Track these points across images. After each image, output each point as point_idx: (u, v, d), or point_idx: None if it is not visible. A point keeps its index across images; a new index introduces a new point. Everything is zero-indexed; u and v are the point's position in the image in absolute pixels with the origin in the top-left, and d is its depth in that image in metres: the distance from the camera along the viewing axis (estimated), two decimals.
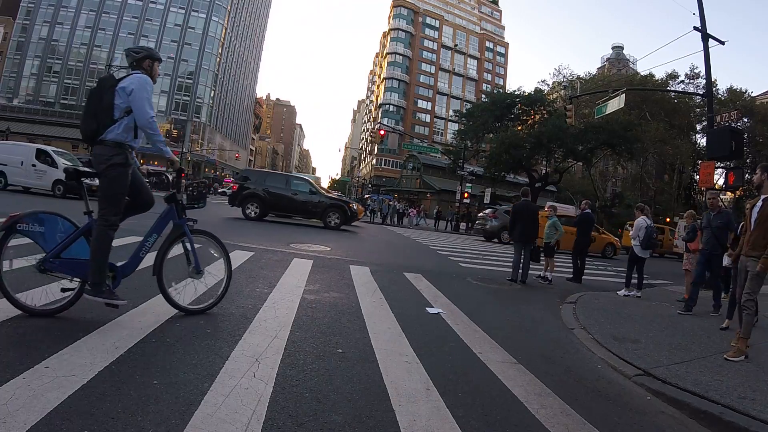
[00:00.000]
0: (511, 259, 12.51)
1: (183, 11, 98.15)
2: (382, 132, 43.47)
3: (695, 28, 17.67)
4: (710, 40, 17.45)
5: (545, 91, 56.13)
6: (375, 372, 4.23)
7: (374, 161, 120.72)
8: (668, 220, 51.73)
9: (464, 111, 62.32)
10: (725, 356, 6.12)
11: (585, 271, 13.64)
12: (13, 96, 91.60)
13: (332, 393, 3.66)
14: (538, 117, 50.18)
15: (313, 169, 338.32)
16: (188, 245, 5.97)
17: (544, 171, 53.28)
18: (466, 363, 4.93)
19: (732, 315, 8.17)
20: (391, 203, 46.22)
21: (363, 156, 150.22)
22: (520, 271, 12.00)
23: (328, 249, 13.54)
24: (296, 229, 19.61)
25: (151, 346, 4.17)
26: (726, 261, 9.70)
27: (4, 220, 4.60)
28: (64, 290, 4.88)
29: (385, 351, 4.84)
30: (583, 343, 6.60)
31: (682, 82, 55.53)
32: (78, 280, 4.93)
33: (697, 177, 60.19)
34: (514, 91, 51.97)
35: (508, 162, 47.75)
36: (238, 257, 9.71)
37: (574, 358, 5.88)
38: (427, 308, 7.34)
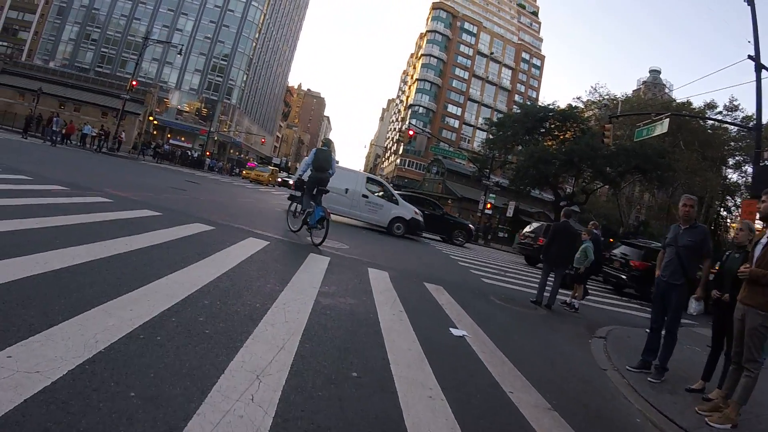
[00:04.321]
0: (536, 280, 11.92)
1: None
2: (411, 132, 42.65)
3: (750, 57, 16.89)
4: (764, 70, 16.69)
5: (579, 109, 54.18)
6: (394, 407, 3.61)
7: (398, 161, 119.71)
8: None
9: (495, 120, 61.02)
10: (707, 420, 5.22)
11: (609, 300, 12.87)
12: (49, 58, 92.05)
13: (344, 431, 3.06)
14: (569, 134, 48.47)
15: (337, 163, 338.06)
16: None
17: (570, 190, 51.77)
18: (496, 403, 4.31)
19: (710, 377, 6.51)
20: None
21: (387, 155, 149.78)
22: (547, 294, 11.34)
23: (347, 247, 12.88)
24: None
25: (138, 345, 3.58)
26: (694, 307, 6.62)
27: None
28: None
29: (406, 380, 4.21)
30: (618, 389, 6.00)
31: (720, 113, 53.74)
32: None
33: (724, 213, 61.31)
34: (549, 104, 50.14)
35: (535, 176, 46.15)
36: (252, 246, 9.20)
37: (611, 407, 5.29)
38: (451, 329, 6.70)
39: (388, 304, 7.15)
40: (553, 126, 49.61)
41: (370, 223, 22.22)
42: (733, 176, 57.98)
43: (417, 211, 22.43)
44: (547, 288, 11.66)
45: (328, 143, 13.82)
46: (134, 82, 46.23)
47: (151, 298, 4.67)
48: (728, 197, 59.09)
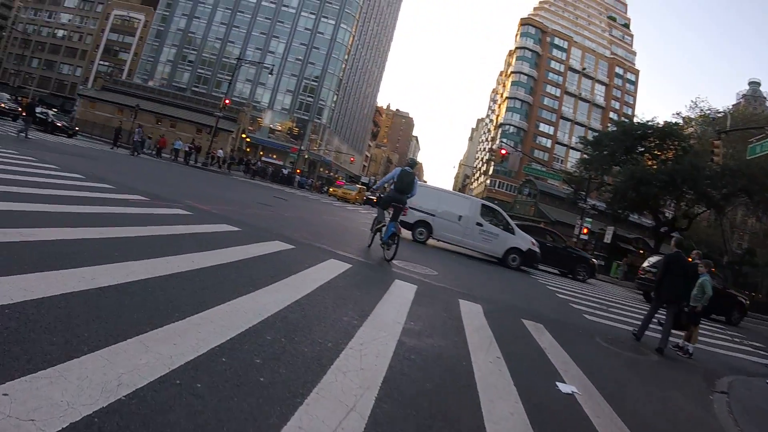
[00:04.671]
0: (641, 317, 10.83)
1: (313, 16, 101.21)
2: (503, 151, 41.18)
3: None
4: None
5: (679, 125, 50.14)
6: None
7: (488, 182, 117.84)
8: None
9: (591, 138, 58.35)
10: None
11: (716, 340, 11.36)
12: (148, 78, 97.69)
13: None
14: (670, 153, 45.37)
15: (424, 182, 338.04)
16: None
17: (670, 214, 48.58)
18: None
19: None
20: None
21: (477, 175, 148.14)
22: (653, 334, 10.40)
23: (435, 274, 11.92)
24: (404, 245, 18.39)
25: (170, 393, 2.80)
26: None
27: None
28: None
29: None
30: None
31: None
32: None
33: None
34: (648, 121, 46.77)
35: (634, 199, 43.12)
36: (332, 269, 8.43)
37: None
38: (558, 383, 5.53)
39: (483, 347, 6.13)
40: (652, 144, 46.78)
41: (483, 253, 21.40)
42: None
43: (534, 241, 21.40)
44: (654, 326, 10.65)
45: (413, 164, 12.94)
46: (227, 101, 47.49)
47: (203, 330, 3.91)
48: None
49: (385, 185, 12.93)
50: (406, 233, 21.84)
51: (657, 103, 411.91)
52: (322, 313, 5.48)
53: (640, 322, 10.80)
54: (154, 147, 43.07)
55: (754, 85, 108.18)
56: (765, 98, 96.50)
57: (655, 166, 44.33)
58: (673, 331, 10.19)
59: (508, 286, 14.88)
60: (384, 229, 11.75)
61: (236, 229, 10.04)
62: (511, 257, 20.79)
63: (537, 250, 21.21)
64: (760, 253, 56.49)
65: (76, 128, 42.10)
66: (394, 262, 11.34)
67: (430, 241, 21.37)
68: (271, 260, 7.78)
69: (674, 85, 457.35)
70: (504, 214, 22.42)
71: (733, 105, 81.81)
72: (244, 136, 70.63)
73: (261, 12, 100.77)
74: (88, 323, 3.46)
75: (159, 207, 10.45)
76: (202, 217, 10.46)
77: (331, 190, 59.24)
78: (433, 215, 20.92)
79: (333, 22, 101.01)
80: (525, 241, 20.97)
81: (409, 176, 11.98)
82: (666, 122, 47.52)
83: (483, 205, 21.87)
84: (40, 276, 4.16)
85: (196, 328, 3.91)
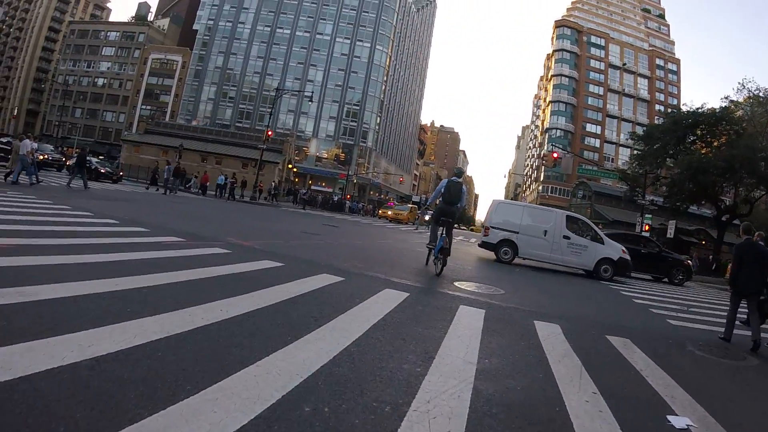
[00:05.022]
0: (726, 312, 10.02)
1: (348, 41, 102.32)
2: (555, 155, 39.70)
3: None
4: None
5: (730, 109, 47.98)
6: None
7: (540, 188, 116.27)
8: None
9: (641, 133, 56.90)
10: None
11: None
12: (191, 118, 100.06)
13: None
14: (723, 138, 44.06)
15: (476, 196, 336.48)
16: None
17: (731, 201, 46.33)
18: None
19: None
20: None
21: (528, 183, 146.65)
22: (742, 332, 9.70)
23: (503, 293, 10.86)
24: (464, 262, 17.45)
25: None
26: None
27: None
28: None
29: None
30: None
31: None
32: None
33: None
34: (697, 108, 45.34)
35: (692, 190, 42.49)
36: (387, 301, 7.55)
37: None
38: (668, 417, 4.47)
39: (573, 381, 5.07)
40: (704, 132, 45.42)
41: (572, 267, 20.59)
42: None
43: (624, 249, 20.34)
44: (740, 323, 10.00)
45: (459, 173, 12.92)
46: (270, 132, 47.84)
47: (220, 407, 2.97)
48: None
49: (437, 200, 12.53)
50: (488, 253, 21.19)
51: (702, 90, 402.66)
52: (377, 363, 4.50)
53: (724, 319, 9.96)
54: (199, 184, 43.07)
55: None
56: None
57: (710, 154, 42.95)
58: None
59: (581, 298, 13.79)
60: (436, 244, 11.85)
61: (279, 264, 9.24)
62: (603, 268, 19.73)
63: (628, 258, 20.16)
64: None
65: (121, 173, 42.25)
66: (456, 284, 10.73)
67: (489, 255, 20.38)
68: (316, 298, 6.91)
69: (717, 70, 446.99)
70: (591, 223, 21.69)
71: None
72: (290, 166, 70.78)
73: (296, 42, 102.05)
74: (68, 410, 2.64)
75: (194, 247, 9.76)
76: (241, 255, 9.70)
77: (380, 212, 59.09)
78: (517, 233, 20.08)
79: (368, 45, 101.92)
80: (615, 250, 19.98)
81: (456, 186, 11.91)
82: (722, 106, 46.20)
83: (568, 217, 20.96)
84: (24, 347, 3.35)
85: (212, 405, 2.98)
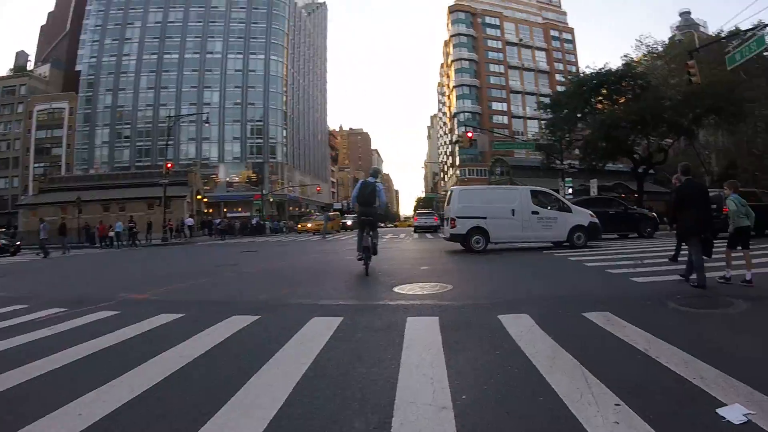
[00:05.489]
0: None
1: (241, 56, 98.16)
2: (470, 134, 39.31)
3: None
4: None
5: (633, 65, 49.36)
6: None
7: (458, 172, 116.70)
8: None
9: (548, 102, 57.71)
10: None
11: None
12: (88, 166, 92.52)
13: None
14: (630, 95, 44.69)
15: (396, 192, 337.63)
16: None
17: (645, 153, 48.03)
18: None
19: None
20: None
21: (445, 170, 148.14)
22: (696, 275, 9.13)
23: (450, 288, 9.56)
24: (399, 261, 16.31)
25: None
26: None
27: None
28: None
29: None
30: None
31: None
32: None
33: None
34: (600, 69, 46.02)
35: (607, 147, 43.78)
36: (316, 334, 6.12)
37: None
38: (717, 411, 3.47)
39: (584, 396, 3.77)
40: (610, 90, 45.99)
41: (548, 241, 19.75)
42: None
43: (592, 213, 20.00)
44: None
45: (375, 173, 13.14)
46: (169, 165, 44.79)
47: None
48: None
49: (356, 206, 13.09)
50: (424, 246, 21.12)
51: (599, 54, 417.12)
52: None
53: (678, 265, 10.49)
54: (47, 241, 36.58)
55: (686, 14, 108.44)
56: (698, 25, 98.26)
57: (618, 111, 44.07)
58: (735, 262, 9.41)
59: (534, 275, 12.41)
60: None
61: (177, 316, 7.55)
62: (576, 236, 19.24)
63: (597, 221, 19.84)
64: (740, 163, 55.91)
65: (18, 243, 37.99)
66: (397, 290, 9.55)
67: (433, 245, 18.92)
68: (220, 359, 5.24)
69: (610, 33, 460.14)
70: (554, 193, 21.54)
71: (669, 39, 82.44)
72: (199, 197, 66.59)
73: (187, 65, 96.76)
74: None
75: (76, 317, 7.92)
76: (132, 314, 7.87)
77: (299, 226, 56.86)
78: (485, 218, 18.96)
79: (263, 57, 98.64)
80: (584, 216, 19.62)
81: (367, 186, 12.13)
82: (625, 63, 47.33)
83: (532, 191, 20.14)
84: None
85: None
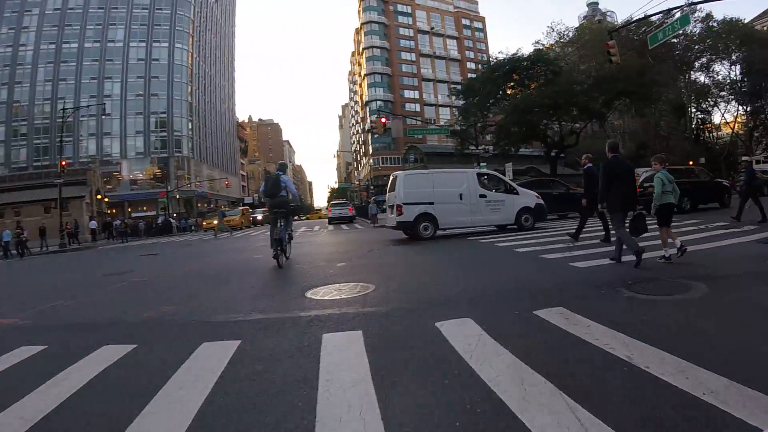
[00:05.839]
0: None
1: (144, 44, 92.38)
2: (383, 119, 38.10)
3: None
4: None
5: (545, 51, 52.07)
6: None
7: (371, 161, 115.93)
8: (691, 163, 47.74)
9: (461, 89, 57.95)
10: None
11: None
12: None
13: None
14: (542, 80, 46.05)
15: (309, 183, 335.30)
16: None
17: (558, 137, 49.69)
18: None
19: None
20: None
21: (358, 158, 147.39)
22: (618, 250, 9.57)
23: (373, 288, 8.43)
24: (314, 257, 14.90)
25: None
26: None
27: None
28: None
29: None
30: None
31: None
32: None
33: (702, 116, 62.59)
34: (513, 54, 47.16)
35: (519, 131, 44.83)
36: (204, 369, 4.76)
37: None
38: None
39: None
40: (523, 76, 47.21)
41: (496, 225, 19.25)
42: (702, 78, 59.10)
43: (537, 195, 19.92)
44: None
45: (283, 168, 13.51)
46: (64, 162, 41.14)
47: None
48: (701, 100, 59.95)
49: (265, 201, 13.37)
50: (335, 239, 20.42)
51: (510, 43, 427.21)
52: None
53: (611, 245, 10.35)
54: None
55: (593, 5, 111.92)
56: (605, 14, 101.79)
57: (534, 94, 44.85)
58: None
59: (463, 265, 11.39)
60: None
61: (39, 349, 5.92)
62: (524, 218, 19.00)
63: (543, 202, 19.78)
64: (650, 144, 59.45)
65: None
66: (310, 294, 8.25)
67: (349, 236, 17.72)
68: (71, 422, 3.79)
69: (521, 22, 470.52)
70: (501, 176, 21.25)
71: (576, 29, 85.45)
72: (99, 197, 61.13)
73: (86, 55, 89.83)
74: None
75: None
76: None
77: (205, 223, 52.96)
78: (432, 203, 18.24)
79: (167, 45, 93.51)
80: (531, 198, 19.45)
81: (270, 178, 12.74)
82: (536, 49, 49.50)
83: (478, 174, 19.87)
84: None
85: None
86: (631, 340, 4.60)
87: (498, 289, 7.85)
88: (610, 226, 11.97)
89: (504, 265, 10.70)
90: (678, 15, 20.57)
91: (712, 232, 13.65)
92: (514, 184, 19.98)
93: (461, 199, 18.24)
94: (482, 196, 18.51)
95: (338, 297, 7.84)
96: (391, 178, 19.90)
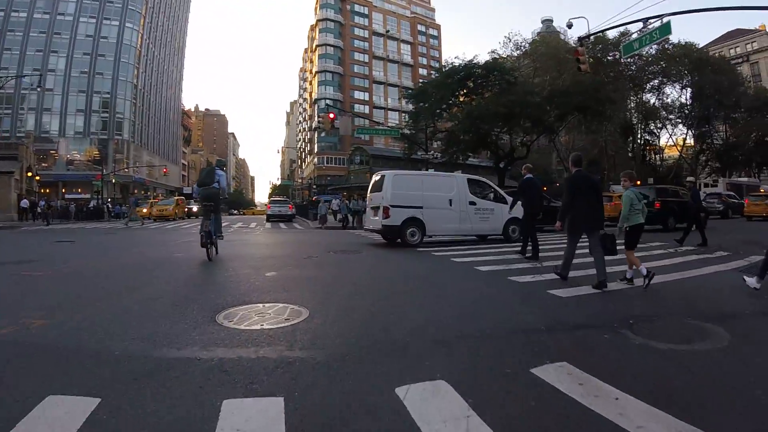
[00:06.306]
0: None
1: (94, 20, 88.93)
2: (331, 115, 36.37)
3: None
4: None
5: (502, 59, 51.82)
6: None
7: (316, 160, 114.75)
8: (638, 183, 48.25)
9: (413, 91, 56.90)
10: None
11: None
12: None
13: None
14: (496, 88, 44.31)
15: (252, 178, 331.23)
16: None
17: (508, 148, 48.67)
18: None
19: None
20: (352, 201, 36.63)
21: (303, 156, 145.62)
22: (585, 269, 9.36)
23: (306, 316, 6.43)
24: (241, 261, 12.76)
25: None
26: None
27: None
28: None
29: None
30: None
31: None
32: None
33: (648, 137, 64.00)
34: (469, 61, 45.57)
35: (471, 139, 43.63)
36: None
37: None
38: None
39: None
40: (478, 83, 45.69)
41: (483, 234, 18.25)
42: (652, 100, 59.86)
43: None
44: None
45: (221, 164, 14.13)
46: None
47: None
48: (649, 121, 61.11)
49: (198, 190, 13.36)
50: (276, 239, 18.26)
51: (462, 52, 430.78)
52: None
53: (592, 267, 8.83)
54: None
55: (548, 22, 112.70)
56: (559, 32, 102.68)
57: (488, 103, 43.34)
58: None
59: (419, 284, 9.33)
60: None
61: None
62: (511, 229, 17.90)
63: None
64: (601, 162, 61.37)
65: None
66: (222, 320, 6.10)
67: (286, 237, 16.30)
68: None
69: (475, 34, 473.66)
70: (491, 183, 19.70)
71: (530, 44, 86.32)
72: (30, 174, 56.59)
73: (34, 26, 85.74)
74: None
75: None
76: None
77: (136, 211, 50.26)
78: (421, 207, 16.97)
79: (117, 23, 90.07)
80: (518, 208, 17.21)
81: (205, 169, 13.32)
82: (493, 57, 49.79)
83: (469, 180, 18.73)
84: None
85: None
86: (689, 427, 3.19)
87: (475, 326, 6.02)
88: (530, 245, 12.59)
89: (470, 289, 8.77)
90: (656, 24, 19.65)
91: (684, 258, 12.86)
92: (503, 193, 18.76)
93: (451, 204, 17.16)
94: (472, 203, 17.56)
95: (258, 327, 5.85)
96: (376, 177, 18.56)
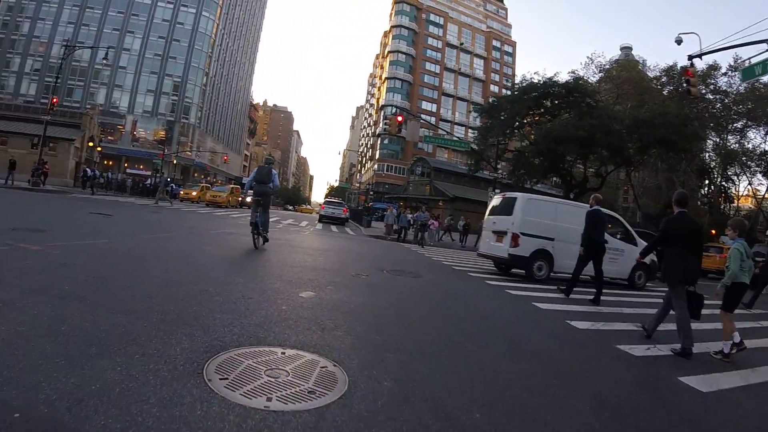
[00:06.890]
0: None
1: (171, 6, 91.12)
2: (400, 117, 34.34)
3: None
4: None
5: (584, 80, 47.73)
6: None
7: (376, 167, 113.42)
8: (713, 232, 44.91)
9: (483, 106, 54.86)
10: None
11: None
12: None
13: None
14: (575, 110, 41.08)
15: (311, 177, 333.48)
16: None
17: (581, 176, 44.42)
18: None
19: None
20: (417, 214, 31.59)
21: (363, 161, 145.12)
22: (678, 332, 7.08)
23: (342, 388, 3.84)
24: (290, 252, 10.72)
25: None
26: None
27: None
28: None
29: None
30: None
31: (725, 74, 47.69)
32: None
33: (724, 183, 57.71)
34: (549, 78, 42.46)
35: (542, 164, 40.24)
36: None
37: None
38: None
39: None
40: (556, 102, 43.23)
41: (609, 277, 15.08)
42: (732, 144, 53.58)
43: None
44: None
45: (270, 161, 15.35)
46: (54, 99, 37.83)
47: None
48: (728, 166, 54.77)
49: (253, 185, 13.73)
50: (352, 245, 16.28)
51: (543, 68, 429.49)
52: None
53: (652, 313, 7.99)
54: None
55: (627, 50, 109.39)
56: (638, 62, 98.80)
57: (569, 124, 39.88)
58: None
59: (499, 331, 6.59)
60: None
61: None
62: (637, 275, 16.06)
63: (656, 258, 15.48)
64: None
65: None
66: (212, 375, 3.59)
67: (336, 243, 15.03)
68: None
69: (550, 55, 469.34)
70: (622, 220, 17.13)
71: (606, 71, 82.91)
72: (91, 144, 56.88)
73: (113, 6, 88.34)
74: None
75: None
76: None
77: (182, 192, 50.47)
78: (553, 240, 14.87)
79: (194, 11, 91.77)
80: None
81: (264, 169, 13.95)
82: (575, 77, 44.70)
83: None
84: None
85: None
86: None
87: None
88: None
89: (573, 361, 6.50)
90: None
91: (761, 322, 11.17)
92: (633, 232, 16.39)
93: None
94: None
95: (261, 403, 3.34)
96: (502, 197, 16.53)
